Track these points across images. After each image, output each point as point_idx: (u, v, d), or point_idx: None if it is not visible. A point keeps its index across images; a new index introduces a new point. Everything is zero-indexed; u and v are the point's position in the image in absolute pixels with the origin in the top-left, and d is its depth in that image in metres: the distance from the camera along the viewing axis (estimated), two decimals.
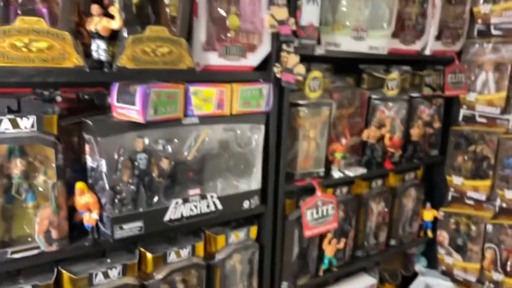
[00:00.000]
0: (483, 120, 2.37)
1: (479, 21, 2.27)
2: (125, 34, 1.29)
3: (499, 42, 2.22)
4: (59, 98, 1.42)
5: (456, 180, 2.43)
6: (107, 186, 1.34)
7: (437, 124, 2.33)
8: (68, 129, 1.41)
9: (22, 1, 1.17)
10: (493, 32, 2.27)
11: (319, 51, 1.75)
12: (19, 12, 1.16)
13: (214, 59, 1.53)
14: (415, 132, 2.24)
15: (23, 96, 1.38)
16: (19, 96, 1.33)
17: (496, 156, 2.25)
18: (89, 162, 1.38)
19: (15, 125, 1.19)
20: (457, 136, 2.42)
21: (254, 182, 1.73)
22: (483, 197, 2.34)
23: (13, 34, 1.12)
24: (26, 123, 1.20)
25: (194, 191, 1.54)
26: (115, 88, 1.38)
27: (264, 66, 1.68)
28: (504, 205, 2.25)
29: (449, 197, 2.56)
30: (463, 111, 2.43)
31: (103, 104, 1.49)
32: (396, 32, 2.02)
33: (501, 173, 2.23)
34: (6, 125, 1.17)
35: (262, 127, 1.70)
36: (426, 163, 2.47)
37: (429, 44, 2.15)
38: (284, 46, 1.65)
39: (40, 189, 1.28)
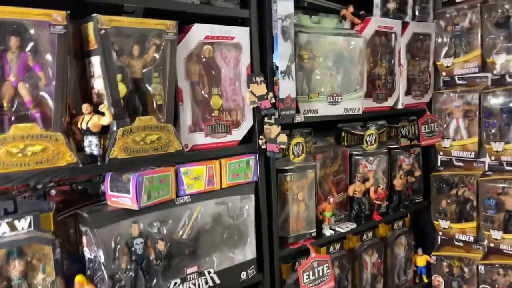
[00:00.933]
0: (461, 164, 2.48)
1: (443, 73, 2.43)
2: (115, 128, 1.36)
3: (464, 91, 2.36)
4: (53, 192, 1.46)
5: (443, 223, 2.50)
6: (106, 276, 1.35)
7: (418, 173, 2.43)
8: (65, 222, 1.43)
9: (15, 109, 1.22)
10: (458, 82, 2.42)
11: (299, 118, 1.85)
12: (13, 119, 1.22)
13: (201, 139, 1.60)
14: (398, 182, 2.32)
15: (17, 192, 1.43)
16: (14, 196, 1.37)
17: (477, 198, 2.34)
18: (87, 253, 1.40)
19: (12, 228, 1.21)
20: (438, 181, 2.51)
21: (249, 251, 1.75)
22: (471, 238, 2.41)
23: (8, 142, 1.17)
24: (24, 224, 1.23)
25: (191, 269, 1.56)
26: (108, 178, 1.43)
27: (249, 138, 1.76)
28: (492, 245, 2.31)
29: (439, 241, 2.62)
30: (440, 157, 2.55)
31: (97, 192, 1.53)
32: (368, 92, 2.14)
33: (485, 214, 2.31)
34: (4, 229, 1.20)
35: (252, 196, 1.75)
36: (412, 210, 2.54)
37: (400, 99, 2.29)
38: (266, 119, 1.74)
39: (39, 287, 1.28)
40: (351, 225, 2.15)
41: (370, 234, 2.32)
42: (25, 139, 1.20)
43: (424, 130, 2.34)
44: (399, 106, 2.31)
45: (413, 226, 2.63)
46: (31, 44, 1.23)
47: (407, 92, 2.32)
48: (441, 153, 2.51)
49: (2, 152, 1.16)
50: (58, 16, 1.23)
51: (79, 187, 1.51)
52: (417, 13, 2.29)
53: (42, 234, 1.26)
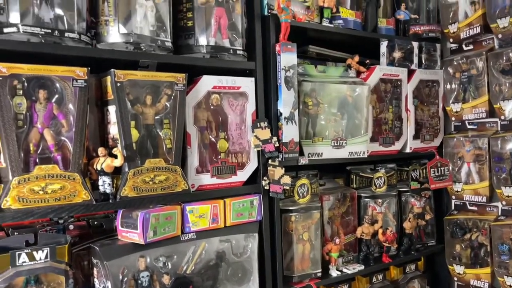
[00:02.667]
0: (474, 208, 2.47)
1: (453, 118, 2.48)
2: (126, 169, 1.51)
3: (475, 135, 2.40)
4: (71, 226, 1.62)
5: (457, 269, 2.47)
6: None
7: (428, 216, 2.44)
8: (79, 254, 1.57)
9: (40, 152, 1.40)
10: (469, 126, 2.46)
11: (303, 161, 1.95)
12: (37, 161, 1.39)
13: (207, 180, 1.73)
14: (408, 225, 2.34)
15: (41, 226, 1.59)
16: (36, 229, 1.53)
17: (491, 243, 2.31)
18: (97, 284, 1.53)
19: (31, 258, 1.36)
20: (452, 225, 2.50)
21: None
22: (486, 285, 2.36)
23: (32, 181, 1.34)
24: (41, 255, 1.37)
25: None
26: (119, 215, 1.57)
27: (254, 179, 1.87)
28: None
29: (455, 286, 2.57)
30: (454, 201, 2.55)
31: (112, 228, 1.68)
32: (375, 136, 2.22)
33: (498, 260, 2.27)
34: (24, 258, 1.35)
35: (256, 235, 1.84)
36: (425, 254, 2.53)
37: (408, 143, 2.35)
38: (270, 161, 1.85)
39: None
40: (359, 267, 2.18)
41: (380, 276, 2.33)
42: (46, 178, 1.36)
43: (433, 173, 2.37)
44: (407, 150, 2.36)
45: (427, 270, 2.61)
46: (56, 96, 1.42)
47: (416, 136, 2.39)
48: (453, 197, 2.52)
49: (26, 190, 1.33)
50: (81, 72, 1.43)
51: (95, 223, 1.66)
52: (424, 61, 2.38)
53: (57, 264, 1.40)
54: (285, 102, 1.85)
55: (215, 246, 1.75)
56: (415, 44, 2.32)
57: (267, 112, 1.88)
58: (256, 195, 1.84)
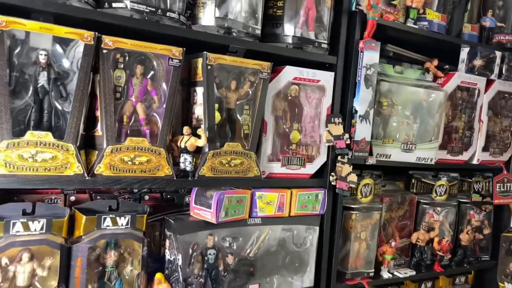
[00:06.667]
0: None
1: None
2: (207, 149, 1.56)
3: None
4: (146, 197, 1.69)
5: (509, 287, 2.41)
6: (181, 278, 1.54)
7: (487, 231, 2.38)
8: (152, 224, 1.65)
9: (132, 124, 1.47)
10: None
11: (371, 161, 1.94)
12: (128, 132, 1.46)
13: (277, 168, 1.76)
14: (465, 237, 2.30)
15: (118, 193, 1.68)
16: (116, 196, 1.62)
17: None
18: (168, 255, 1.61)
19: (114, 222, 1.44)
20: (509, 242, 2.44)
21: (308, 279, 1.86)
22: None
23: (123, 151, 1.41)
24: (123, 221, 1.45)
25: (253, 286, 1.71)
26: (194, 192, 1.63)
27: (321, 174, 1.89)
28: None
29: None
30: None
31: (182, 203, 1.74)
32: (443, 144, 2.18)
33: None
34: (108, 222, 1.43)
35: (317, 228, 1.87)
36: (477, 268, 2.48)
37: (476, 155, 2.29)
38: (339, 157, 1.86)
39: (126, 277, 1.49)
40: (410, 272, 2.17)
41: (429, 284, 2.32)
42: (136, 150, 1.43)
43: (499, 188, 2.31)
44: (474, 162, 2.30)
45: (476, 284, 2.56)
46: (151, 72, 1.48)
47: (485, 149, 2.32)
48: None
49: (117, 159, 1.41)
50: (176, 52, 1.47)
51: (168, 196, 1.73)
52: (504, 71, 2.30)
53: (136, 232, 1.48)
54: (362, 100, 1.85)
55: (278, 234, 1.79)
56: (498, 54, 2.24)
57: (342, 108, 1.88)
58: (322, 189, 1.86)
